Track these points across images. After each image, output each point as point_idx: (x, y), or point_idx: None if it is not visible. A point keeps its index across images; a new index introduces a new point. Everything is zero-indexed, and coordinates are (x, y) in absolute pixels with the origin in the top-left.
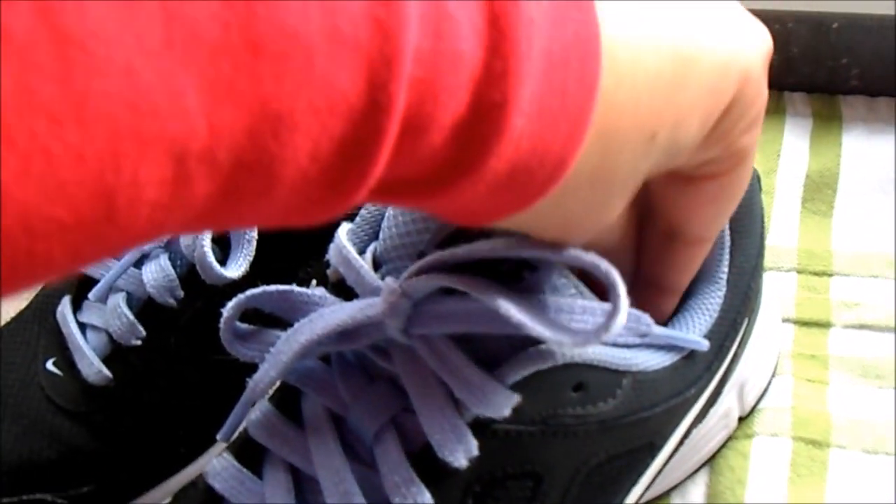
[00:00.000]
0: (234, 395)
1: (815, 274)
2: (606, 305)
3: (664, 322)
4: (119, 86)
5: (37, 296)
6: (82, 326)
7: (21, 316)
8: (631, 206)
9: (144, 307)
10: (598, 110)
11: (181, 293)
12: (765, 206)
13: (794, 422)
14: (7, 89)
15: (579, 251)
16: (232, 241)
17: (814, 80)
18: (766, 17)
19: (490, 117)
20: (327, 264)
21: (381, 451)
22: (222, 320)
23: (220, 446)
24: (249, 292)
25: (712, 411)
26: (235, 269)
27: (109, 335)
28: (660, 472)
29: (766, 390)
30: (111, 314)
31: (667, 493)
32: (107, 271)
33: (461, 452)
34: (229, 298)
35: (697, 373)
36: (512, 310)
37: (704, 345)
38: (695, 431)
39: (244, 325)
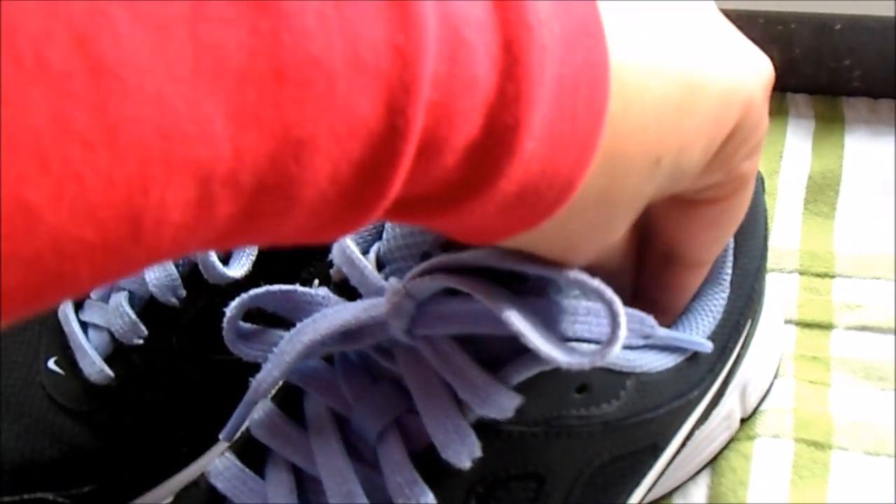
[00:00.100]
0: (237, 394)
1: (817, 275)
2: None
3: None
4: (150, 113)
5: None
6: (84, 325)
7: None
8: (631, 229)
9: (147, 306)
10: (605, 134)
11: (183, 292)
12: (767, 208)
13: (796, 423)
14: (44, 116)
15: (585, 275)
16: None
17: (816, 81)
18: (768, 19)
19: (502, 140)
20: (330, 264)
21: (384, 451)
22: (225, 320)
23: (221, 446)
24: (253, 292)
25: (715, 413)
26: (238, 268)
27: (111, 334)
28: (662, 473)
29: (768, 392)
30: (113, 313)
31: (669, 495)
32: None
33: (464, 453)
34: (232, 298)
35: (701, 374)
36: (513, 316)
37: (708, 347)
38: (697, 433)
39: (247, 325)
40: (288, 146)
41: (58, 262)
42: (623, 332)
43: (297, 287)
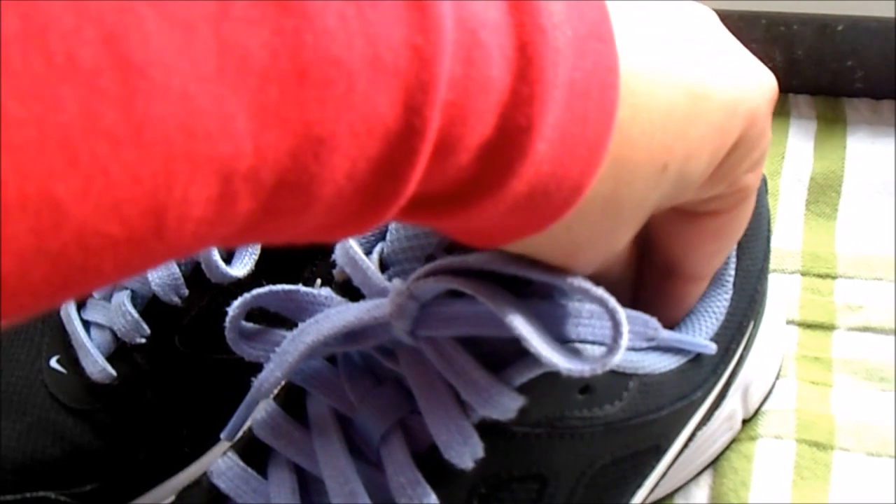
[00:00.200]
0: (239, 394)
1: (819, 276)
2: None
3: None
4: (175, 110)
5: None
6: (86, 324)
7: None
8: (632, 241)
9: (149, 305)
10: (613, 139)
11: (186, 291)
12: (769, 209)
13: (798, 424)
14: (73, 113)
15: (588, 283)
16: None
17: (818, 82)
18: (770, 19)
19: (515, 140)
20: (333, 264)
21: (387, 452)
22: (228, 319)
23: (223, 445)
24: (255, 292)
25: (717, 414)
26: (241, 267)
27: (114, 333)
28: (664, 474)
29: (770, 392)
30: (115, 312)
31: (670, 495)
32: None
33: (467, 454)
34: (234, 297)
35: (703, 375)
36: (516, 320)
37: (712, 348)
38: (699, 434)
39: (249, 325)
40: (308, 144)
41: (83, 257)
42: (625, 341)
43: (300, 287)
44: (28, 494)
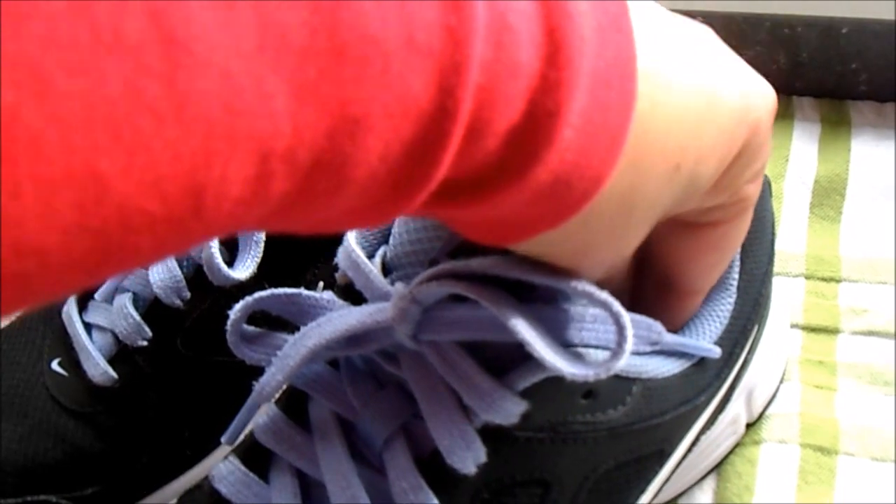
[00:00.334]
0: (241, 397)
1: (824, 280)
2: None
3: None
4: (216, 87)
5: None
6: (88, 327)
7: (26, 316)
8: (630, 255)
9: (151, 308)
10: (631, 133)
11: (188, 294)
12: (773, 212)
13: (802, 428)
14: (118, 87)
15: (593, 287)
16: (239, 243)
17: (822, 84)
18: (775, 22)
19: (542, 126)
20: (335, 267)
21: (389, 456)
22: (229, 322)
23: (225, 449)
24: (257, 295)
25: (721, 418)
26: (243, 270)
27: (115, 336)
28: (668, 478)
29: (774, 396)
30: (117, 314)
31: (674, 500)
32: None
33: (469, 459)
34: (236, 300)
35: (707, 380)
36: (520, 325)
37: (716, 352)
38: (703, 438)
39: (251, 328)
40: (344, 124)
41: (122, 234)
42: (629, 346)
43: (302, 290)
44: (29, 497)
